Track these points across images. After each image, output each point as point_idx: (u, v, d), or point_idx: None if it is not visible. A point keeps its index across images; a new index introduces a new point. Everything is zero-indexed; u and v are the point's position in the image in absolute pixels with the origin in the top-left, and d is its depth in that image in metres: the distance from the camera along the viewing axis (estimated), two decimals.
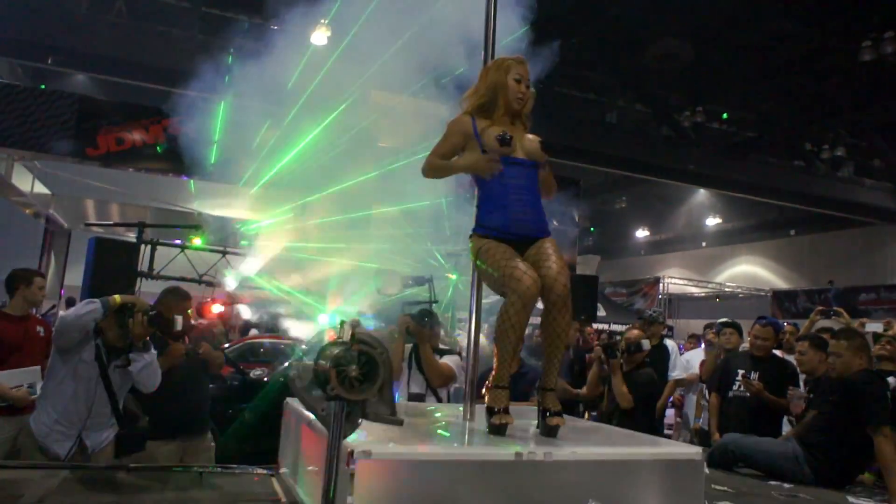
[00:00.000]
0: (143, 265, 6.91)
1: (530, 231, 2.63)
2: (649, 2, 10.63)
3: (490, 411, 2.51)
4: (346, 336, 1.32)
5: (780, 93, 13.89)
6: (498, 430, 2.44)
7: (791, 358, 5.27)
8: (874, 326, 6.19)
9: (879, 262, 16.81)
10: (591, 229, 21.50)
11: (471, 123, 2.66)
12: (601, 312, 13.06)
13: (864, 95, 13.61)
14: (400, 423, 1.40)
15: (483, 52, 3.07)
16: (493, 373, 2.60)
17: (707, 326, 6.39)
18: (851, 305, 13.74)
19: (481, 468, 2.13)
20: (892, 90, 12.94)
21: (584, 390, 5.42)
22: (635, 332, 5.13)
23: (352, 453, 1.90)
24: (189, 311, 4.47)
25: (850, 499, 3.43)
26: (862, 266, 16.88)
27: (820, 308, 5.28)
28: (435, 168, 2.70)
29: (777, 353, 5.44)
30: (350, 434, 1.42)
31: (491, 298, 3.03)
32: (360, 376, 1.29)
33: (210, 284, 7.21)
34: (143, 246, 6.75)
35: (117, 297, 3.56)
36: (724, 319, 5.51)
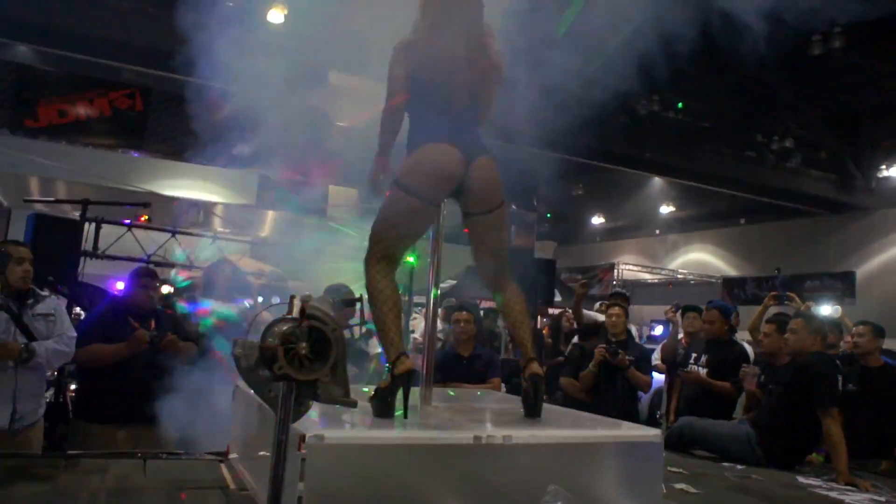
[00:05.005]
0: (87, 244, 6.60)
1: None
2: None
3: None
4: (296, 311, 1.22)
5: (733, 84, 14.12)
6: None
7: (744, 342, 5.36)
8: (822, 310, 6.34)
9: (822, 251, 17.36)
10: (548, 215, 21.63)
11: None
12: (557, 297, 13.15)
13: (812, 89, 13.95)
14: (353, 404, 1.32)
15: None
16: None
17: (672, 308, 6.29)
18: (797, 292, 14.08)
19: (438, 452, 2.07)
20: (839, 85, 13.30)
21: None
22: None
23: (303, 437, 1.81)
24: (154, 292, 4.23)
25: (800, 478, 3.50)
26: (807, 255, 17.41)
27: (773, 293, 5.37)
28: None
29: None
30: (300, 417, 1.32)
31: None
32: (310, 354, 1.20)
33: (158, 265, 6.95)
34: (86, 224, 6.44)
35: None
36: (687, 304, 5.56)
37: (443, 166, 2.45)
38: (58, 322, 3.54)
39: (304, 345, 1.19)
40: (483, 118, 2.68)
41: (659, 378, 6.67)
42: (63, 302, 4.93)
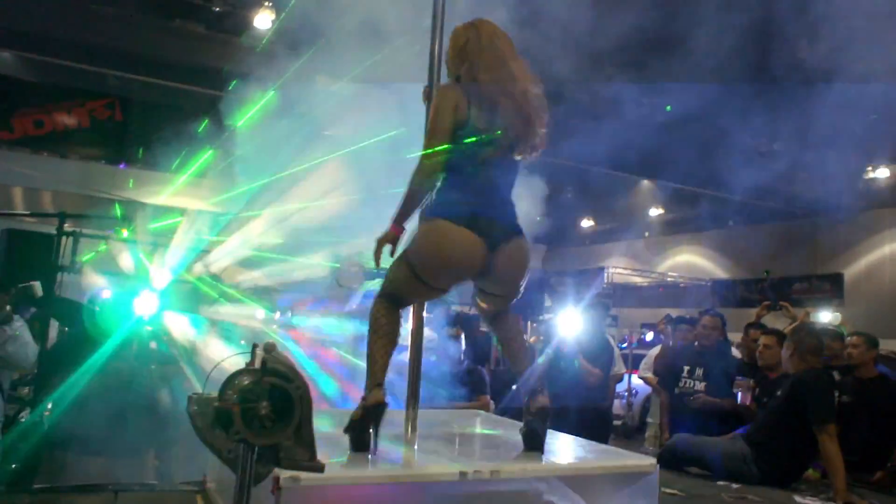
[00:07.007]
0: (64, 258, 6.43)
1: None
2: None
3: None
4: (258, 363, 1.10)
5: (721, 86, 14.13)
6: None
7: (736, 351, 5.28)
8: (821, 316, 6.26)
9: (810, 253, 17.37)
10: (538, 219, 21.57)
11: None
12: (547, 303, 13.05)
13: (798, 92, 13.96)
14: (320, 469, 1.20)
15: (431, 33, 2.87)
16: None
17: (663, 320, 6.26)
18: (786, 294, 14.17)
19: (423, 489, 1.96)
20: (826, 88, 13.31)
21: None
22: None
23: (278, 479, 1.69)
24: None
25: (797, 497, 3.41)
26: (795, 257, 17.41)
27: (766, 303, 5.28)
28: None
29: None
30: (261, 480, 1.21)
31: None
32: (271, 415, 1.08)
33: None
34: (63, 238, 6.26)
35: None
36: (679, 314, 5.49)
37: (459, 259, 2.20)
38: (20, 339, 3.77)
39: (264, 404, 1.08)
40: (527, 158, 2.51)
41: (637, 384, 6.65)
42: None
